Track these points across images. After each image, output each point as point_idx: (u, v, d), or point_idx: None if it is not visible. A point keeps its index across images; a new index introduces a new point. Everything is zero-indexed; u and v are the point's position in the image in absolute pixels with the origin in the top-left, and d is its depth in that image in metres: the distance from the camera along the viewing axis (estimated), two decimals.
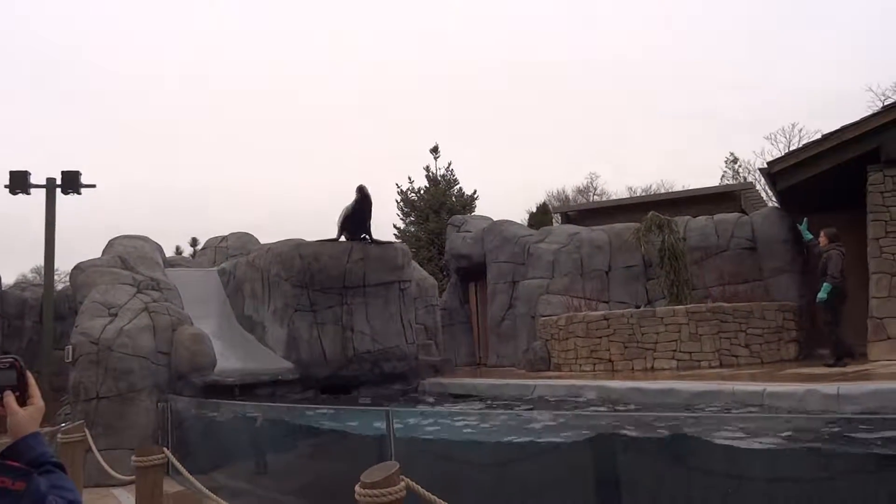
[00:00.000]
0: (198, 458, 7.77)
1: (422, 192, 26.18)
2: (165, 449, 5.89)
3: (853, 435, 4.56)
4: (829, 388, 6.76)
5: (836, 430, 4.74)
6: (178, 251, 29.23)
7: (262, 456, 7.34)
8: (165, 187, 59.55)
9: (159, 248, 13.11)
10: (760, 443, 4.55)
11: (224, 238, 16.00)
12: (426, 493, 3.97)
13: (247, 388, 9.93)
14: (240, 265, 12.67)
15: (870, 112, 10.88)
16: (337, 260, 11.33)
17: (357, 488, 3.76)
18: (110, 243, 12.43)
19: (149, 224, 48.74)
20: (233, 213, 53.57)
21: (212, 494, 5.56)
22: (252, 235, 15.99)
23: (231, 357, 10.74)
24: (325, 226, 51.53)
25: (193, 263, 15.84)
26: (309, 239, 11.71)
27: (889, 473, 4.10)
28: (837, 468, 4.25)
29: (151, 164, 62.95)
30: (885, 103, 11.31)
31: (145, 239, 12.79)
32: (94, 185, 15.91)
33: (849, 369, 8.78)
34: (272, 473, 7.05)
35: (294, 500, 6.31)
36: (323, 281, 11.22)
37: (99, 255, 12.02)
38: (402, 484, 3.82)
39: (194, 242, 30.28)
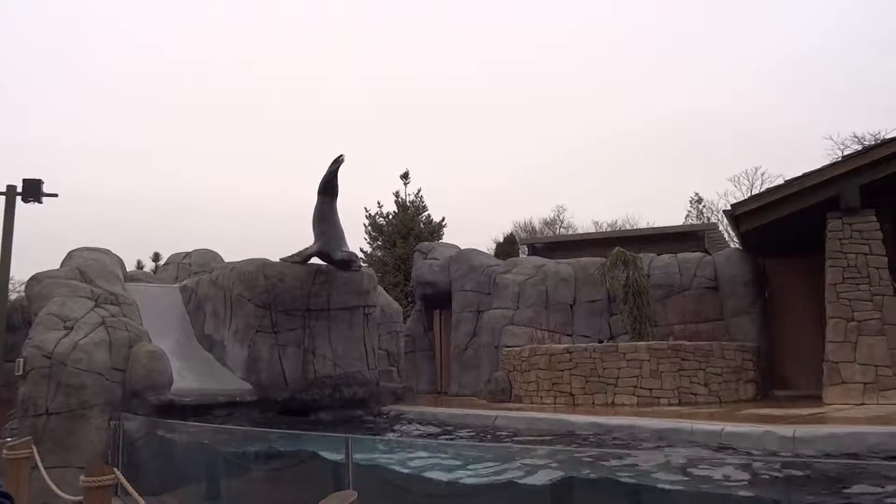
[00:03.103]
0: (148, 480, 7.57)
1: (390, 216, 26.19)
2: (115, 469, 5.72)
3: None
4: (786, 430, 6.85)
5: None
6: (140, 266, 28.71)
7: (214, 480, 7.18)
8: (128, 199, 58.59)
9: (120, 262, 12.85)
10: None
11: (188, 254, 15.77)
12: None
13: (204, 409, 9.72)
14: (202, 283, 12.48)
15: (829, 160, 11.20)
16: (302, 281, 11.23)
17: None
18: (69, 255, 12.16)
19: (110, 237, 47.84)
20: (197, 228, 52.82)
21: None
22: (216, 253, 15.79)
23: (189, 376, 10.53)
24: (289, 246, 51.17)
25: (155, 279, 15.57)
26: (272, 259, 11.60)
27: None
28: None
29: (115, 176, 61.96)
30: (844, 153, 11.65)
31: (106, 252, 12.53)
32: (55, 195, 15.62)
33: (804, 412, 8.92)
34: (225, 498, 6.89)
35: None
36: (286, 302, 11.11)
37: (58, 266, 11.74)
38: None
39: (157, 257, 29.78)
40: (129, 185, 58.13)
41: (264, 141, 62.79)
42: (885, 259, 10.51)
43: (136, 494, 5.78)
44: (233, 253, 14.08)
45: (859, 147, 11.96)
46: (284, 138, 63.94)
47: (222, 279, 11.79)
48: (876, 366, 10.06)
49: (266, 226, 54.39)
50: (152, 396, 9.33)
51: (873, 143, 11.86)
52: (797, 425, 7.11)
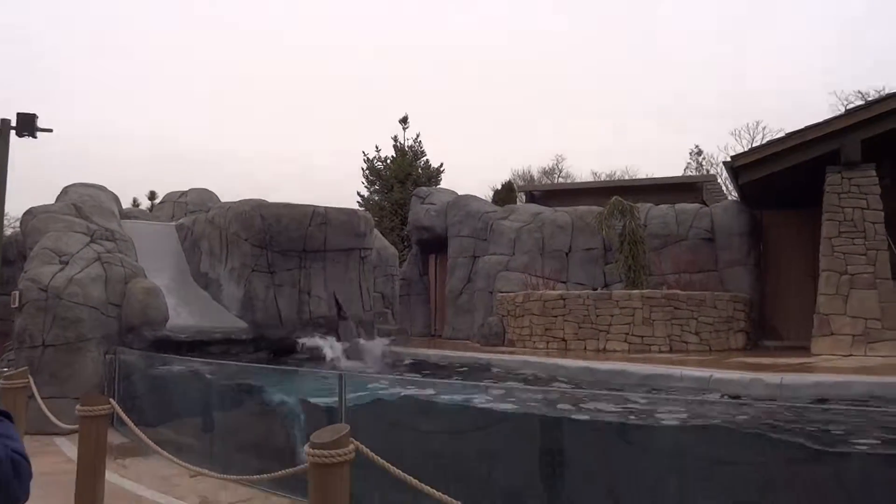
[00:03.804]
0: (144, 412, 7.68)
1: (388, 161, 26.01)
2: (111, 400, 5.79)
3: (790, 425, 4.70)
4: (773, 377, 6.96)
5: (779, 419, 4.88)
6: (136, 203, 28.61)
7: (209, 413, 7.29)
8: (126, 138, 58.05)
9: (116, 199, 12.78)
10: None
11: (184, 193, 15.67)
12: (375, 456, 3.99)
13: (199, 345, 9.81)
14: (199, 221, 12.45)
15: (832, 115, 11.09)
16: (298, 223, 11.21)
17: (306, 448, 3.76)
18: (65, 190, 12.08)
19: (107, 174, 47.60)
20: (195, 172, 52.51)
21: (157, 447, 5.51)
22: (213, 192, 15.69)
23: (184, 313, 10.60)
24: (289, 190, 50.92)
25: (151, 217, 15.51)
26: (271, 202, 11.56)
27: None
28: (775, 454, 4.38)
29: (110, 112, 61.27)
30: (847, 108, 11.55)
31: (102, 188, 12.45)
32: (50, 130, 15.43)
33: (792, 361, 9.04)
34: (220, 431, 7.01)
35: (241, 457, 6.29)
36: (283, 243, 11.11)
37: (52, 202, 11.67)
38: (352, 446, 3.83)
39: (153, 196, 29.66)
40: (126, 126, 57.55)
41: (265, 87, 61.95)
42: (882, 214, 10.52)
43: (132, 424, 5.87)
44: (230, 196, 14.01)
45: (862, 102, 11.84)
46: (285, 85, 63.10)
47: (219, 218, 11.77)
48: (866, 318, 10.16)
49: (261, 175, 54.10)
50: (148, 332, 9.40)
51: (876, 97, 11.72)
52: (784, 373, 7.21)
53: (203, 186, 15.86)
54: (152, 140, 57.26)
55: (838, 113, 11.33)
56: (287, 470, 4.50)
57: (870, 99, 12.06)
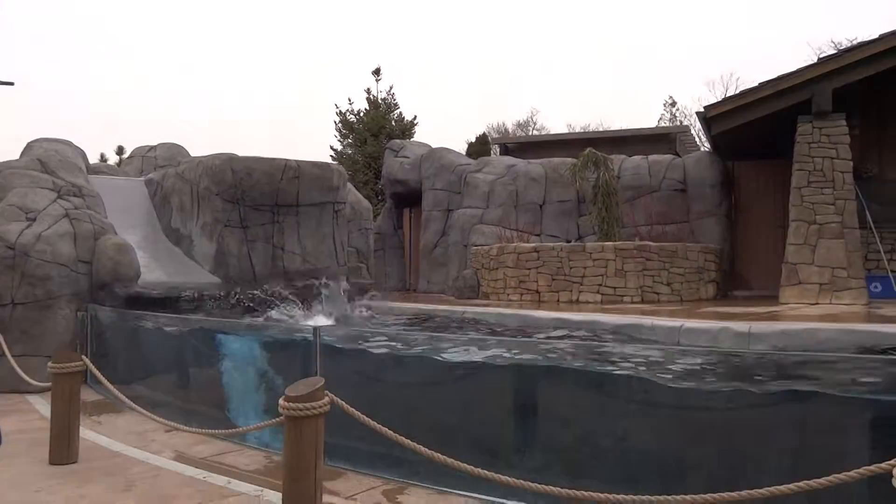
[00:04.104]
0: (117, 369, 7.65)
1: (361, 114, 25.68)
2: (84, 357, 5.76)
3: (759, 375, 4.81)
4: (742, 326, 7.09)
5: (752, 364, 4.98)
6: (103, 159, 28.05)
7: (184, 368, 7.28)
8: (92, 91, 56.57)
9: (82, 154, 12.50)
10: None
11: (153, 148, 15.40)
12: (350, 408, 4.03)
13: (172, 302, 9.75)
14: (168, 176, 12.26)
15: (805, 65, 11.10)
16: (270, 177, 11.07)
17: (281, 401, 3.78)
18: (29, 146, 11.78)
19: (73, 129, 46.48)
20: (162, 123, 51.47)
21: (132, 403, 5.51)
22: (182, 147, 15.44)
23: (156, 269, 10.50)
24: (260, 144, 50.18)
25: (119, 172, 15.24)
26: (242, 155, 11.38)
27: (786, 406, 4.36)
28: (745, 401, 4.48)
29: (77, 67, 59.52)
30: (820, 57, 11.56)
31: (67, 143, 12.16)
32: (11, 83, 14.99)
33: (761, 310, 9.22)
34: (194, 386, 7.01)
35: (217, 412, 6.31)
36: (255, 197, 10.99)
37: (17, 157, 11.39)
38: (327, 399, 3.86)
39: (120, 150, 29.10)
40: (95, 78, 56.01)
41: (232, 36, 60.45)
42: (851, 164, 10.64)
43: (106, 381, 5.85)
44: (199, 149, 13.79)
45: (834, 52, 11.86)
46: (255, 34, 61.62)
47: (189, 173, 11.59)
48: (832, 268, 10.36)
49: (230, 128, 53.20)
50: (120, 288, 9.31)
51: (848, 46, 11.74)
52: (753, 322, 7.35)
53: (172, 141, 15.60)
54: (116, 93, 55.91)
55: (811, 62, 11.31)
56: (261, 423, 4.53)
57: (842, 48, 12.07)
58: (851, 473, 2.77)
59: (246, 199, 10.94)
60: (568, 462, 4.46)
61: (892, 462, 2.48)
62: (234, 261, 10.85)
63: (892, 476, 2.54)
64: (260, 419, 5.33)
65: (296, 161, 11.35)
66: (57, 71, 56.57)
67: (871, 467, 2.69)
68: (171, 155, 14.88)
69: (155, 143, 15.53)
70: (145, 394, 6.98)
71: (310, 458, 3.76)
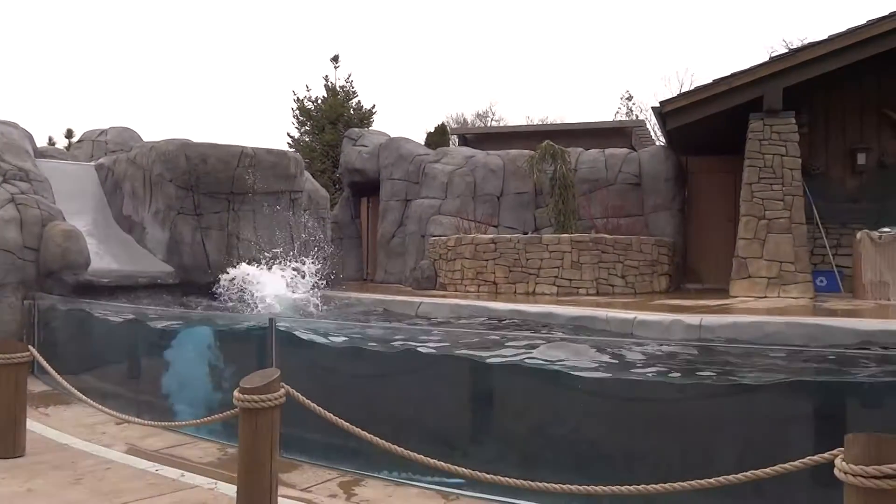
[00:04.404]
0: (66, 360, 7.47)
1: (319, 101, 25.39)
2: (31, 347, 5.61)
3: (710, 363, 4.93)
4: (693, 318, 7.25)
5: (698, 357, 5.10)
6: (52, 142, 27.23)
7: (136, 359, 7.15)
8: (40, 71, 54.80)
9: (29, 137, 12.12)
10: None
11: (103, 132, 15.01)
12: (306, 400, 4.01)
13: (123, 290, 9.56)
14: (120, 161, 11.97)
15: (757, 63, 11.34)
16: (226, 164, 10.91)
17: (235, 393, 3.74)
18: None
19: (19, 111, 45.04)
20: (113, 106, 50.16)
21: (81, 395, 5.39)
22: (134, 131, 15.09)
23: (107, 257, 10.27)
24: (215, 129, 49.32)
25: (68, 156, 14.83)
26: (197, 141, 11.19)
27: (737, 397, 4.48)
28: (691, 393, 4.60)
29: (25, 45, 57.59)
30: (772, 55, 11.83)
31: (13, 125, 11.78)
32: None
33: (711, 303, 9.43)
34: (147, 377, 6.89)
35: (170, 404, 6.22)
36: (210, 184, 10.82)
37: None
38: (282, 391, 3.83)
39: (70, 134, 28.25)
40: (44, 57, 54.26)
41: (186, 18, 59.14)
42: (799, 160, 10.94)
43: (53, 372, 5.71)
44: (152, 134, 13.52)
45: (786, 50, 12.16)
46: (210, 16, 60.38)
47: (141, 158, 11.34)
48: (781, 262, 10.65)
49: (184, 113, 52.18)
50: (69, 276, 9.09)
51: (799, 46, 12.04)
52: (704, 315, 7.52)
53: (123, 125, 15.23)
54: (66, 74, 54.32)
55: (763, 61, 11.57)
56: (215, 416, 4.48)
57: (793, 47, 12.37)
58: (796, 463, 2.87)
59: (200, 187, 10.76)
60: (521, 451, 4.52)
61: (834, 452, 2.57)
62: (187, 249, 10.67)
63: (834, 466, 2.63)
64: (215, 411, 5.26)
65: (252, 148, 11.20)
66: (1, 49, 54.67)
67: (815, 457, 2.78)
68: (122, 139, 14.53)
69: (106, 127, 15.15)
70: (95, 385, 6.84)
71: (265, 450, 3.73)
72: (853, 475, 2.33)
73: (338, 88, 25.59)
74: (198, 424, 5.18)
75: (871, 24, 10.60)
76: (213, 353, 6.23)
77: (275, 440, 3.78)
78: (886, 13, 10.56)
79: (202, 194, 10.78)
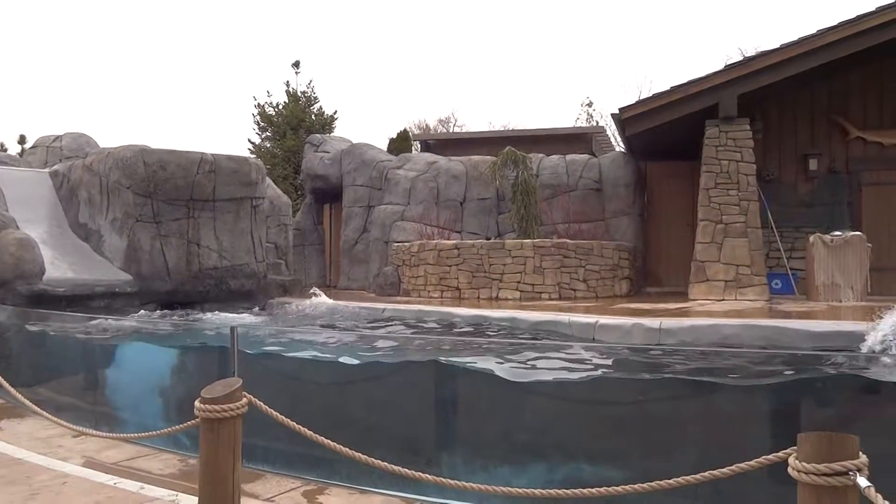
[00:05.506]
0: (20, 372, 7.28)
1: (280, 107, 25.22)
2: None
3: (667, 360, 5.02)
4: (653, 322, 7.37)
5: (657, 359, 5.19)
6: (3, 148, 26.55)
7: (92, 370, 7.01)
8: None
9: None
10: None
11: (58, 137, 14.72)
12: (268, 409, 3.97)
13: (80, 300, 9.37)
14: (75, 168, 11.74)
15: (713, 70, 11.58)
16: (185, 170, 10.77)
17: (197, 403, 3.69)
18: None
19: None
20: (67, 111, 49.12)
21: (35, 407, 5.26)
22: (90, 137, 14.83)
23: (62, 266, 10.06)
24: (173, 135, 48.61)
25: (21, 163, 14.49)
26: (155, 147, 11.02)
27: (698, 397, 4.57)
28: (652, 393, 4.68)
29: None
30: (727, 63, 12.08)
31: None
32: None
33: (671, 306, 9.58)
34: (104, 389, 6.76)
35: (129, 415, 6.10)
36: (169, 191, 10.67)
37: None
38: (245, 400, 3.79)
39: (23, 140, 27.58)
40: None
41: (145, 21, 58.23)
42: (754, 166, 11.19)
43: (6, 385, 5.58)
44: (109, 140, 13.28)
45: (741, 58, 12.46)
46: (169, 19, 59.52)
47: (98, 165, 11.13)
48: (737, 265, 10.87)
49: (142, 119, 51.33)
50: (22, 286, 8.88)
51: (752, 55, 12.35)
52: (663, 318, 7.65)
53: (79, 130, 14.94)
54: (18, 80, 53.05)
55: (718, 69, 11.83)
56: (175, 427, 4.41)
57: (747, 56, 12.66)
58: (752, 463, 2.93)
59: (159, 193, 10.60)
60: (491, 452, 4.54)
61: (787, 451, 2.64)
62: (146, 257, 10.50)
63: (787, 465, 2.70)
64: (175, 422, 5.19)
65: (212, 154, 11.08)
66: None
67: (770, 456, 2.85)
68: (78, 145, 14.27)
69: (61, 133, 14.85)
70: (51, 397, 6.68)
71: (227, 460, 3.68)
72: (805, 473, 2.39)
73: (299, 94, 25.46)
74: (157, 436, 5.09)
75: (822, 33, 10.90)
76: (174, 362, 6.15)
77: (237, 450, 3.73)
78: (835, 23, 10.88)
79: (161, 201, 10.62)
